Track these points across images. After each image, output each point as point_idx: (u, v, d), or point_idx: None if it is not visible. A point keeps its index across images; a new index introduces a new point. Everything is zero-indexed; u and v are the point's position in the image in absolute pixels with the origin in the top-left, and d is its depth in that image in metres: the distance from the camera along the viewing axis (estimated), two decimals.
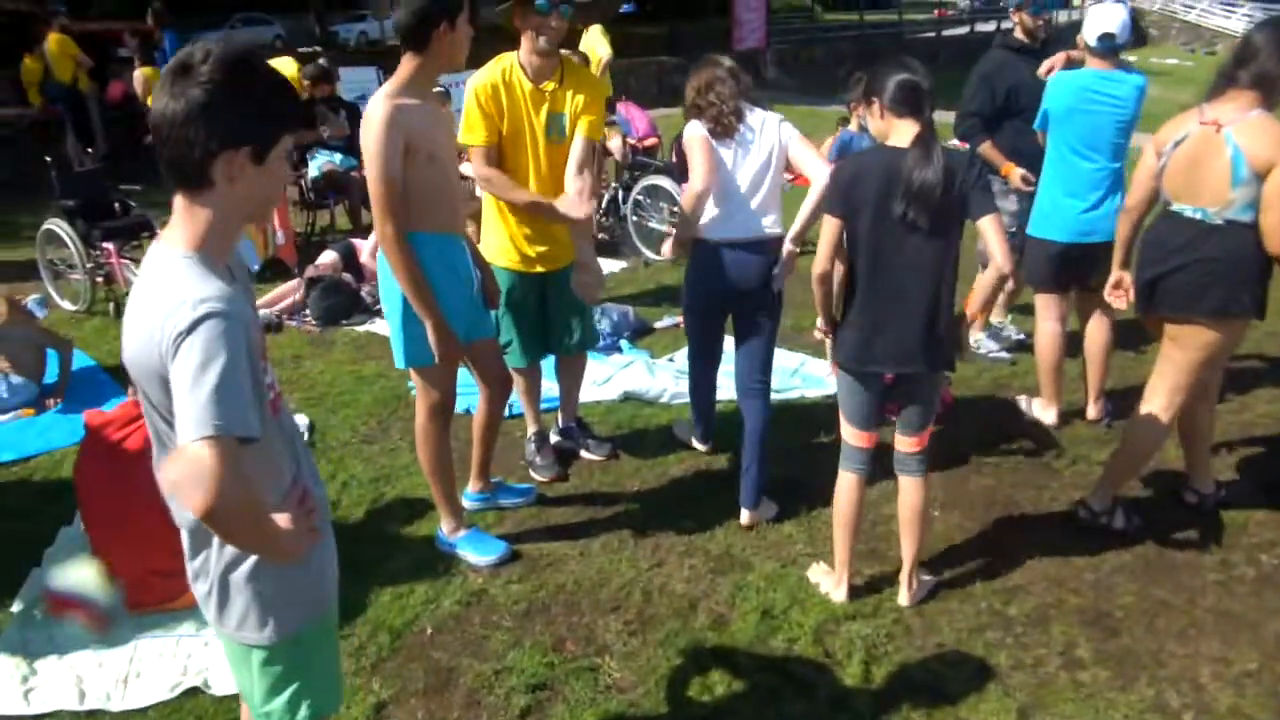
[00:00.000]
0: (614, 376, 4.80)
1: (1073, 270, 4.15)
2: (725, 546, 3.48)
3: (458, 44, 2.85)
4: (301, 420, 4.58)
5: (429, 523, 3.63)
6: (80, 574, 2.17)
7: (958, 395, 4.65)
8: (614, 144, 7.79)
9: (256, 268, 6.65)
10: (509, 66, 3.39)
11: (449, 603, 3.22)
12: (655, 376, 4.76)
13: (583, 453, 4.17)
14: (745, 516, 3.59)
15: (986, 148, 4.57)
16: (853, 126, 5.16)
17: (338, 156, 7.42)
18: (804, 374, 4.93)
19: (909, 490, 3.03)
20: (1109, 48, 3.85)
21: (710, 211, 3.41)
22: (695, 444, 4.16)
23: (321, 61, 8.19)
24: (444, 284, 3.04)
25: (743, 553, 3.44)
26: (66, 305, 6.36)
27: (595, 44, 9.37)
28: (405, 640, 3.04)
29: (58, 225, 6.12)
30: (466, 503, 3.70)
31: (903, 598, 3.11)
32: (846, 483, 3.04)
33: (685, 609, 3.15)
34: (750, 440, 3.57)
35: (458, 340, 3.06)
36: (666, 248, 3.74)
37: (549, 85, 3.41)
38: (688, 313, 3.80)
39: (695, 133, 3.38)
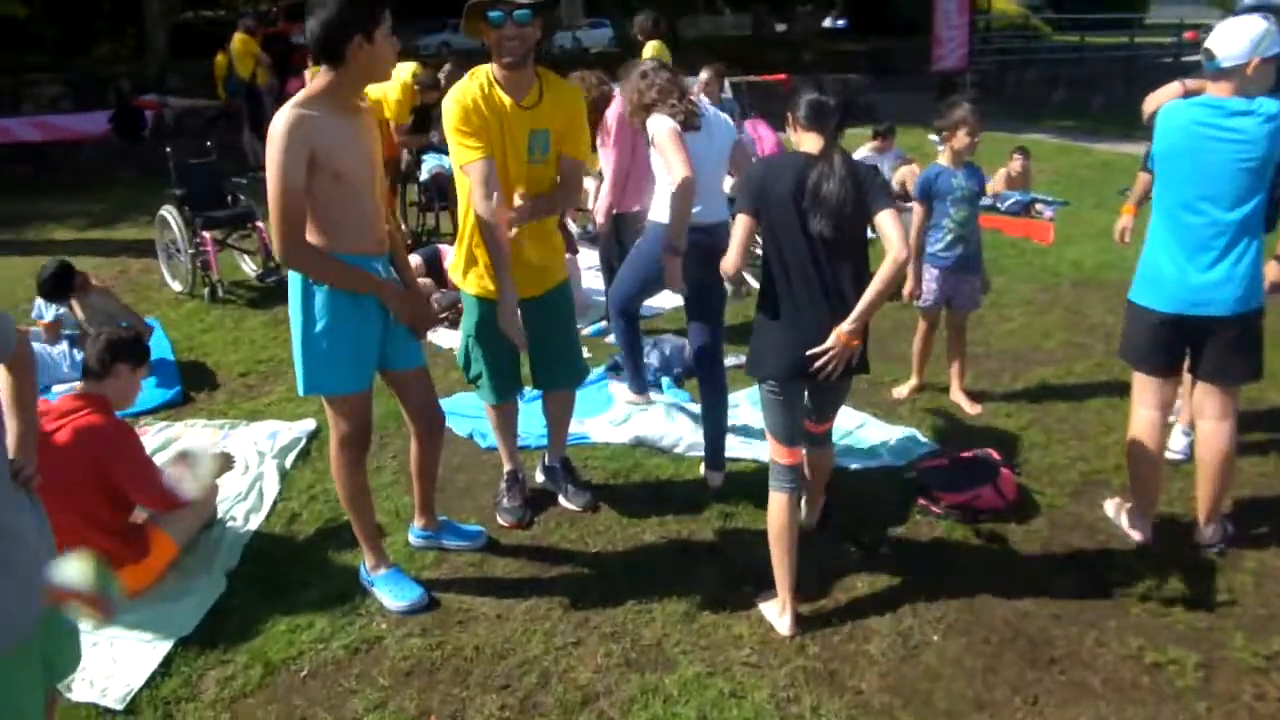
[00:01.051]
0: (632, 416, 4.35)
1: (1178, 349, 3.28)
2: (658, 637, 2.97)
3: (378, 57, 2.66)
4: (305, 426, 4.46)
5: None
6: (78, 564, 2.24)
7: (1028, 486, 3.84)
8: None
9: None
10: (485, 80, 3.12)
11: (338, 645, 2.97)
12: (674, 422, 4.27)
13: (560, 498, 3.77)
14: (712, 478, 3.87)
15: None
16: (943, 160, 4.44)
17: (446, 160, 7.37)
18: (856, 438, 4.26)
19: (817, 460, 3.31)
20: (1216, 68, 3.00)
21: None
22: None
23: (447, 67, 8.20)
24: (346, 312, 2.82)
25: (674, 648, 2.91)
26: (176, 286, 6.69)
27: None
28: (277, 678, 2.85)
29: (168, 211, 6.42)
30: (411, 538, 3.49)
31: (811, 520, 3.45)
32: (778, 503, 2.97)
33: (575, 705, 2.69)
34: (707, 404, 3.88)
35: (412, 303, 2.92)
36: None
37: (528, 100, 3.11)
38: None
39: (666, 125, 3.52)
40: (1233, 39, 3.02)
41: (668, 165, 3.49)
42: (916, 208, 4.48)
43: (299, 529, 3.69)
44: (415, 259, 6.36)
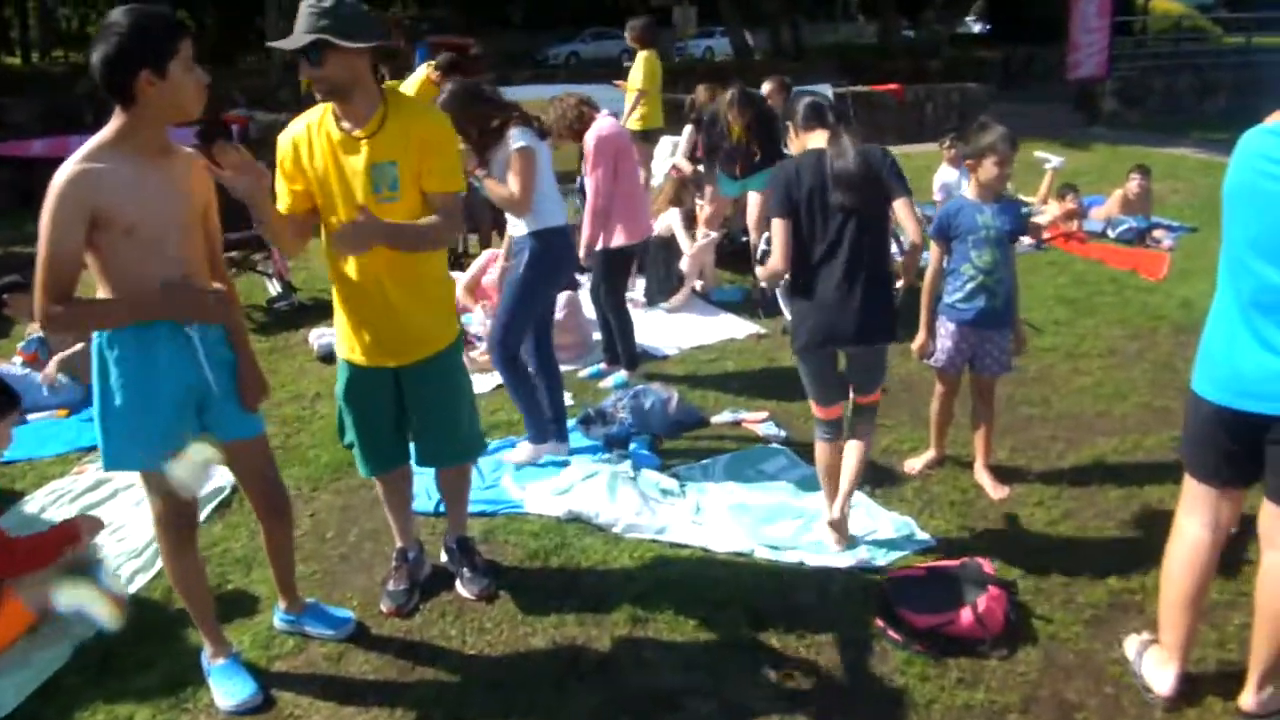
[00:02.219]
0: (574, 487, 3.77)
1: (1237, 453, 2.44)
2: None
3: (174, 93, 2.33)
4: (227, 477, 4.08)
5: (233, 627, 3.06)
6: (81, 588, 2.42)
7: (1031, 607, 3.05)
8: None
9: None
10: (322, 114, 2.72)
11: None
12: (615, 500, 3.64)
13: (457, 582, 3.25)
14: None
15: None
16: (969, 192, 3.66)
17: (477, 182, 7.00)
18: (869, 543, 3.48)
19: (853, 450, 3.34)
20: None
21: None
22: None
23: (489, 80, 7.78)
24: (140, 385, 2.47)
25: None
26: None
27: (633, 73, 8.48)
28: None
29: None
30: (275, 620, 3.08)
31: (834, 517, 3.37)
32: (822, 449, 3.36)
33: None
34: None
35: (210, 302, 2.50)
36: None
37: (366, 130, 2.66)
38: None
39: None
40: None
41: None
42: (933, 247, 3.72)
43: (170, 599, 3.29)
44: None
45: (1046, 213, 8.36)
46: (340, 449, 4.27)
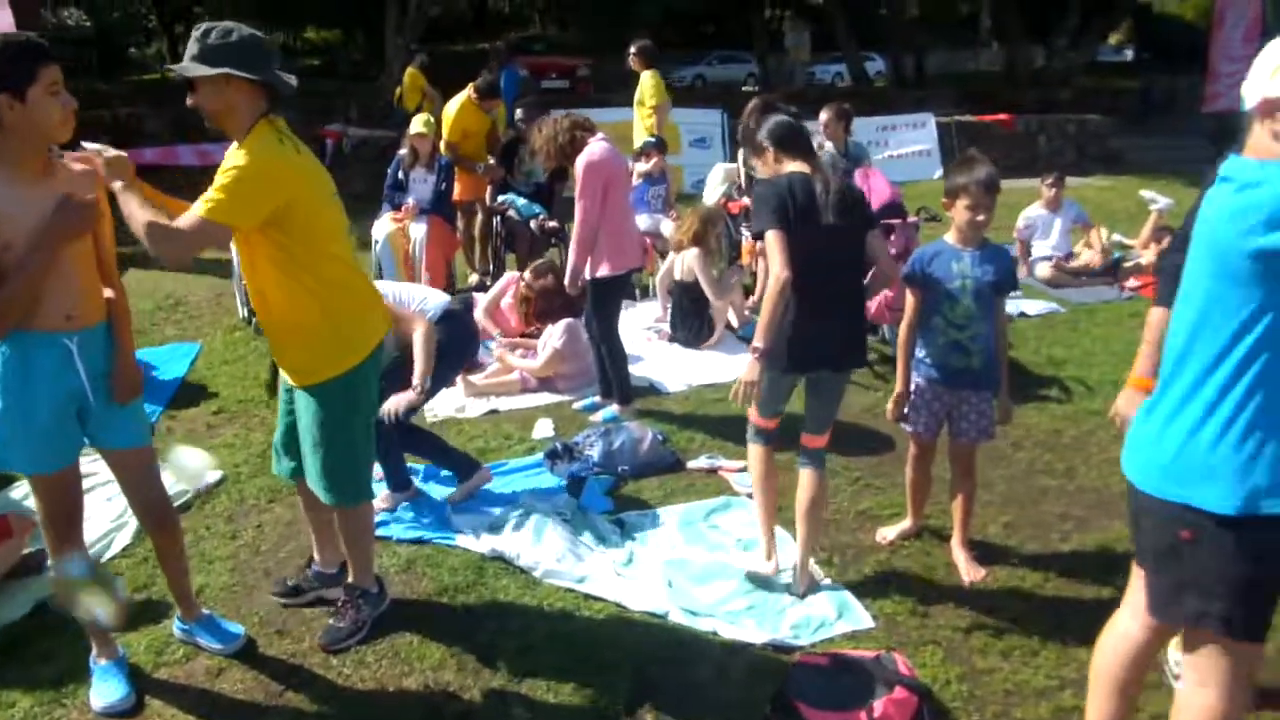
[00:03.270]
0: (507, 524, 3.58)
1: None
2: None
3: (38, 115, 2.39)
4: (210, 476, 4.09)
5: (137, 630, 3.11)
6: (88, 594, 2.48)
7: (956, 715, 2.66)
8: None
9: None
10: None
11: None
12: (539, 542, 3.42)
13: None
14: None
15: None
16: (950, 236, 3.28)
17: (520, 202, 6.94)
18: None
19: (809, 482, 3.25)
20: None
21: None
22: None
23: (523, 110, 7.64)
24: (16, 393, 2.52)
25: None
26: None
27: (644, 95, 8.15)
28: None
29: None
30: (174, 629, 3.10)
31: (796, 587, 3.22)
32: (756, 453, 3.35)
33: None
34: None
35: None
36: None
37: None
38: None
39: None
40: (1256, 67, 1.84)
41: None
42: (907, 295, 3.36)
43: None
44: None
45: (1145, 258, 7.65)
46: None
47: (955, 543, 3.45)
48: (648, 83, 8.10)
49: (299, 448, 2.92)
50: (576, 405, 5.01)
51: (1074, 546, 3.59)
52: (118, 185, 2.51)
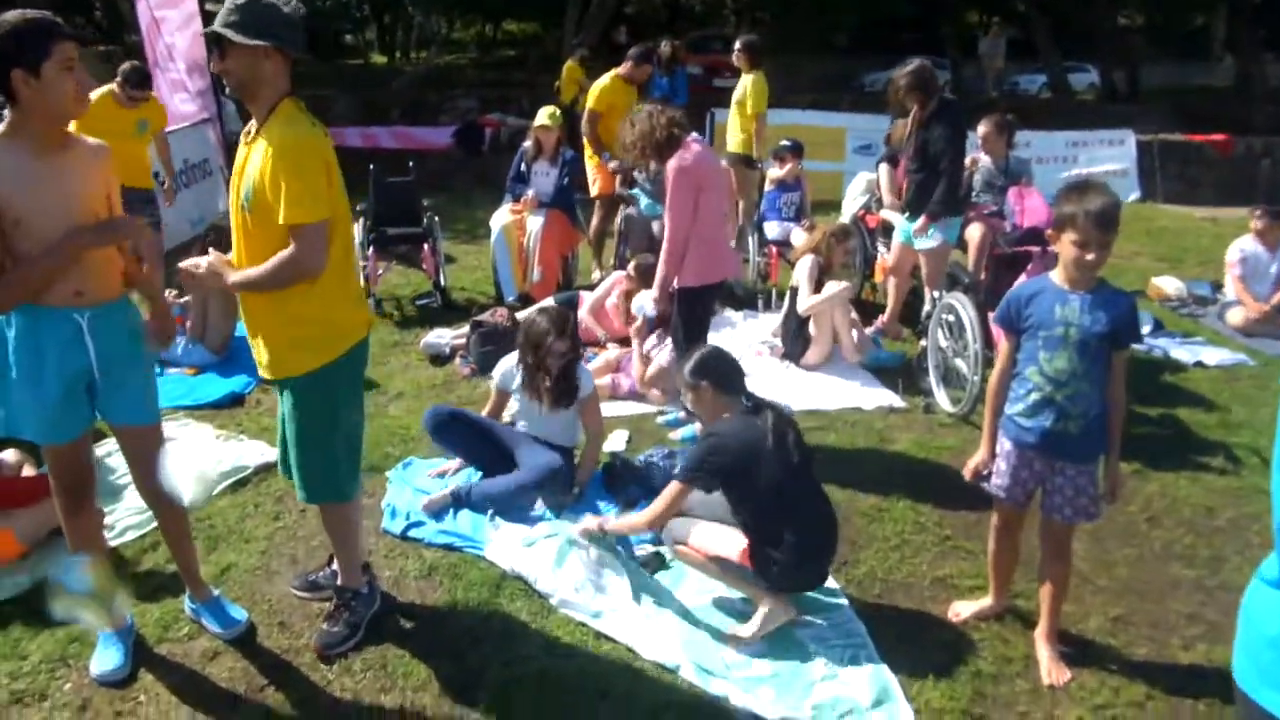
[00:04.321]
0: (536, 543, 3.32)
1: None
2: None
3: (48, 93, 2.39)
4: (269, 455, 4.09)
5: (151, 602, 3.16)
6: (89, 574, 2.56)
7: None
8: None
9: (511, 299, 6.37)
10: None
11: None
12: (559, 568, 3.13)
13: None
14: None
15: None
16: (1056, 275, 2.73)
17: (645, 201, 6.68)
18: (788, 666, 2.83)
19: None
20: None
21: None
22: None
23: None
24: (28, 365, 2.54)
25: None
26: None
27: (746, 98, 7.24)
28: None
29: (357, 226, 6.57)
30: (184, 606, 3.10)
31: None
32: None
33: None
34: None
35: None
36: None
37: (250, 134, 2.59)
38: None
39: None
40: None
41: None
42: (1001, 344, 2.84)
43: (140, 558, 3.45)
44: (547, 304, 5.81)
45: None
46: (374, 453, 4.26)
47: (1040, 634, 2.90)
48: (751, 85, 7.37)
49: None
50: (660, 420, 4.70)
51: (1196, 659, 2.95)
52: (232, 281, 2.57)
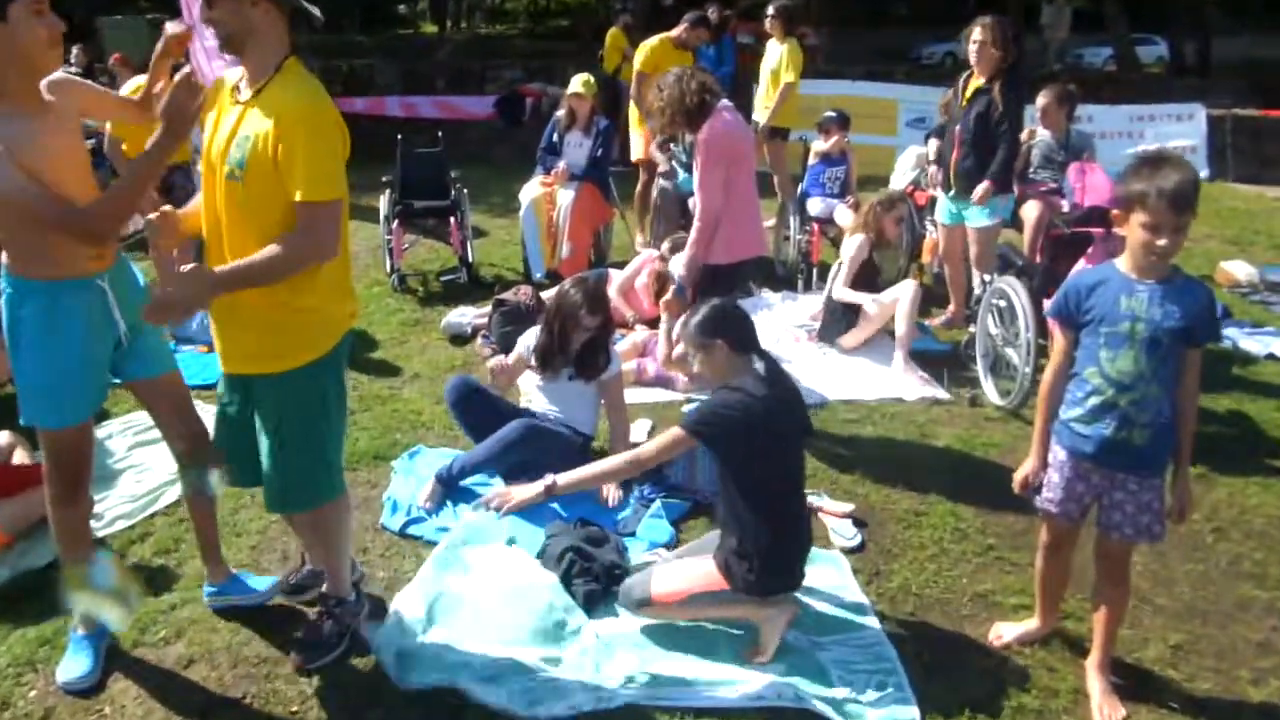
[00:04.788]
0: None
1: None
2: None
3: (21, 36, 2.23)
4: None
5: None
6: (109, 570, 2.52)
7: None
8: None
9: (539, 275, 6.13)
10: None
11: None
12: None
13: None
14: None
15: None
16: (1122, 263, 2.39)
17: (683, 174, 6.37)
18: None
19: None
20: None
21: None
22: None
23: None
24: (43, 341, 2.42)
25: None
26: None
27: (778, 65, 6.90)
28: None
29: (383, 196, 6.36)
30: (204, 596, 2.93)
31: None
32: None
33: None
34: None
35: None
36: None
37: (249, 90, 2.30)
38: None
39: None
40: None
41: None
42: (1056, 334, 2.52)
43: (127, 550, 3.29)
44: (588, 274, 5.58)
45: None
46: (381, 440, 4.06)
47: (1092, 664, 2.60)
48: (785, 53, 6.98)
49: (251, 448, 2.50)
50: (686, 407, 4.43)
51: (1269, 698, 2.64)
52: (221, 280, 2.22)
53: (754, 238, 4.01)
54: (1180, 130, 10.67)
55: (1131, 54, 17.94)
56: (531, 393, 3.84)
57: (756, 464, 2.59)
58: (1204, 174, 10.39)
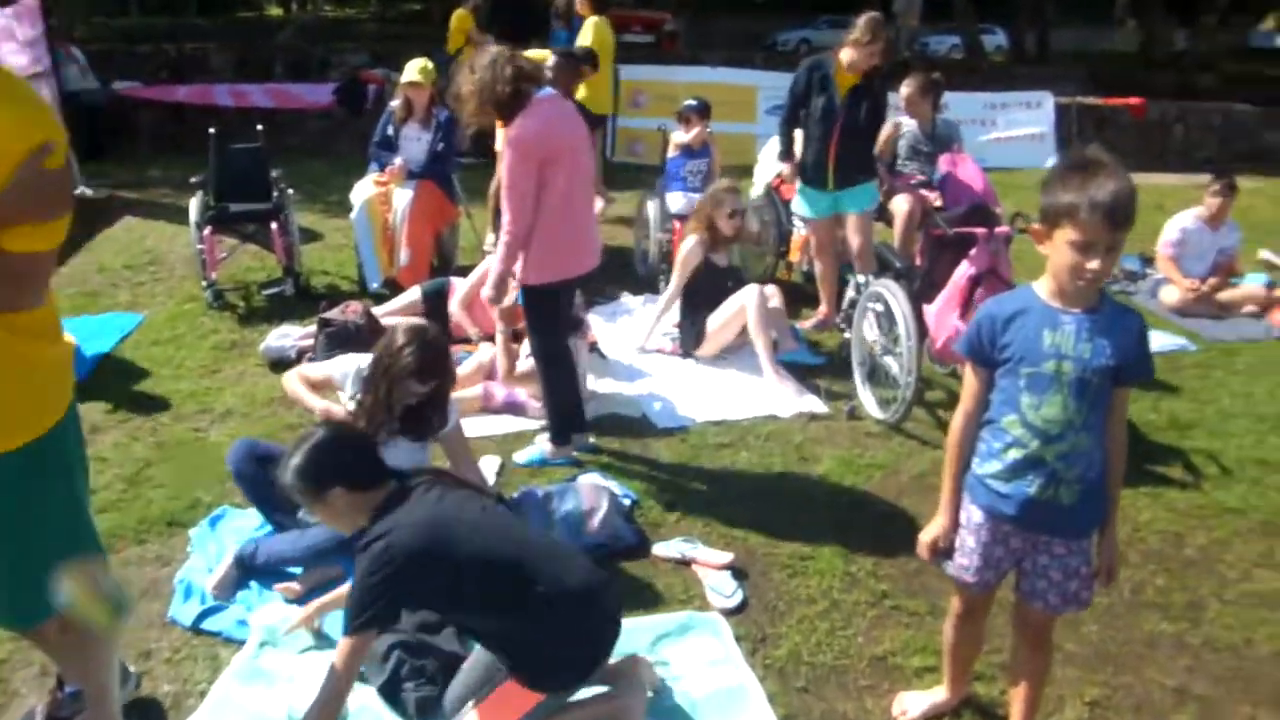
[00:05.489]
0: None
1: None
2: None
3: None
4: None
5: None
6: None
7: None
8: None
9: (375, 286, 5.48)
10: None
11: None
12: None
13: None
14: None
15: None
16: (1042, 288, 2.02)
17: None
18: None
19: None
20: None
21: None
22: None
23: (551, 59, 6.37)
24: None
25: None
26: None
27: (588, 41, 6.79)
28: None
29: (194, 199, 5.56)
30: None
31: None
32: None
33: None
34: None
35: None
36: None
37: None
38: None
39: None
40: None
41: None
42: (967, 372, 2.15)
43: None
44: (413, 294, 4.96)
45: None
46: (178, 501, 3.39)
47: None
48: (592, 31, 6.67)
49: None
50: (522, 458, 3.85)
51: None
52: None
53: (573, 255, 3.51)
54: (1030, 118, 10.86)
55: (979, 43, 18.47)
56: None
57: (466, 586, 2.09)
58: (1051, 161, 10.61)
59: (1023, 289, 2.06)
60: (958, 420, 2.13)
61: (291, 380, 3.24)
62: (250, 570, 2.86)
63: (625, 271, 5.97)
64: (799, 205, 5.09)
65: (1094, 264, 1.85)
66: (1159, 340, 5.37)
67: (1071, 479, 1.98)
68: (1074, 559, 2.06)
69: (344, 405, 3.10)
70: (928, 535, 2.19)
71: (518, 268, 3.46)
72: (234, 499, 3.40)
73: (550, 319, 3.58)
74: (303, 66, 13.26)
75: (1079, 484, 1.98)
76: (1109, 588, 2.14)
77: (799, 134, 4.99)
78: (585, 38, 6.95)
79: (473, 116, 3.33)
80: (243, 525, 3.23)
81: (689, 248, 4.74)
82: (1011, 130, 10.67)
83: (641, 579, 3.03)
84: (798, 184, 5.05)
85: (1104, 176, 1.83)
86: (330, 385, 3.19)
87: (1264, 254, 6.84)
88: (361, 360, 3.15)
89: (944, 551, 2.19)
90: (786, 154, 5.12)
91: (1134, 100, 11.39)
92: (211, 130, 5.74)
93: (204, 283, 5.45)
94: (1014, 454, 2.00)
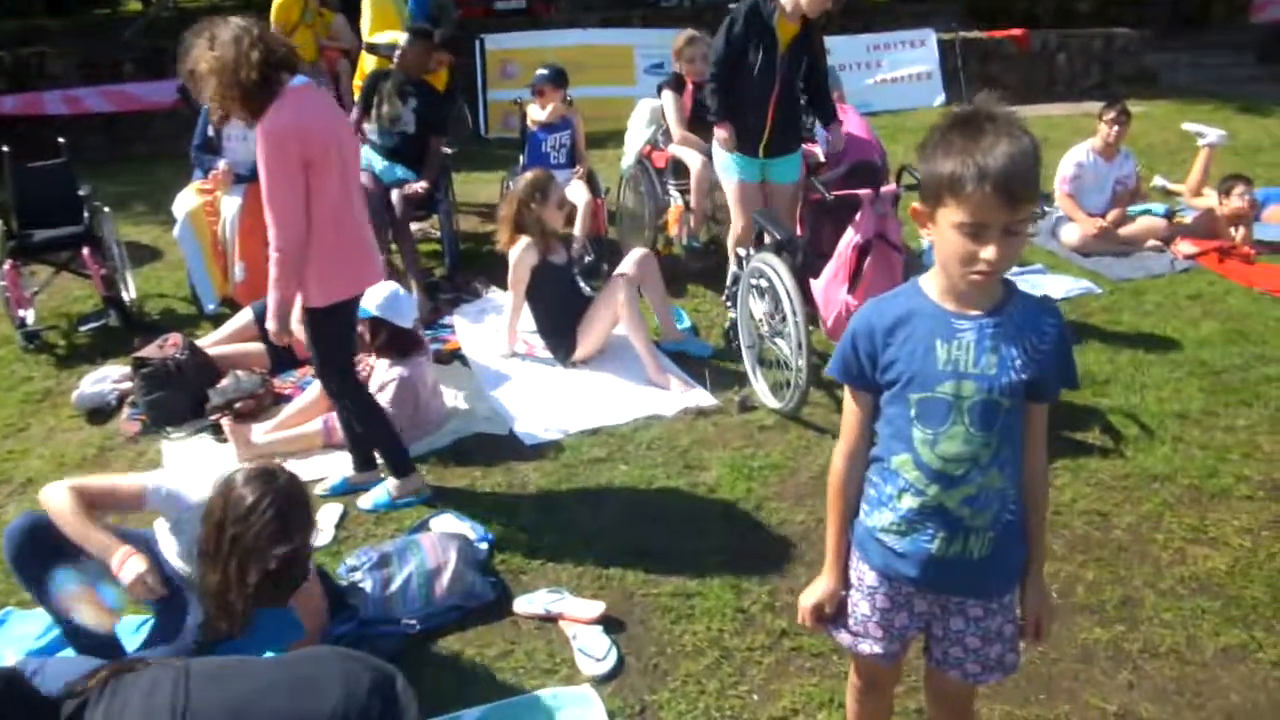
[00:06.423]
0: None
1: None
2: None
3: None
4: None
5: None
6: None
7: None
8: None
9: (212, 307, 4.83)
10: None
11: None
12: None
13: None
14: None
15: None
16: (932, 287, 1.58)
17: (379, 163, 5.20)
18: None
19: None
20: None
21: None
22: None
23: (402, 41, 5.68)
24: None
25: None
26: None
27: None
28: None
29: None
30: None
31: None
32: None
33: None
34: None
35: None
36: None
37: None
38: None
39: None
40: None
41: None
42: (846, 399, 1.71)
43: None
44: (244, 316, 4.35)
45: (1196, 209, 5.91)
46: None
47: None
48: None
49: None
50: (319, 489, 3.28)
51: None
52: None
53: (360, 265, 2.99)
54: (914, 56, 10.57)
55: None
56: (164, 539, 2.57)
57: None
58: (940, 100, 10.36)
59: (907, 287, 1.62)
60: (837, 461, 1.69)
61: (57, 497, 2.33)
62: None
63: (493, 262, 5.42)
64: (725, 168, 4.35)
65: (989, 252, 1.42)
66: (1063, 285, 5.12)
67: (982, 527, 1.56)
68: (993, 619, 1.65)
69: (170, 559, 2.47)
70: (809, 599, 1.75)
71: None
72: (18, 596, 2.80)
73: (344, 342, 3.05)
74: (155, 65, 12.15)
75: (991, 531, 1.57)
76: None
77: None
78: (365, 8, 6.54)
79: (216, 102, 2.73)
80: (26, 632, 2.66)
81: (519, 254, 4.17)
82: (897, 70, 10.38)
83: (500, 646, 2.55)
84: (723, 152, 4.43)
85: (994, 135, 1.39)
86: (130, 505, 2.51)
87: (1188, 126, 6.60)
88: (191, 487, 2.46)
89: (832, 618, 1.76)
90: (721, 114, 4.21)
91: (1017, 31, 11.20)
92: (5, 149, 4.97)
93: (15, 323, 4.73)
94: (908, 502, 1.57)
